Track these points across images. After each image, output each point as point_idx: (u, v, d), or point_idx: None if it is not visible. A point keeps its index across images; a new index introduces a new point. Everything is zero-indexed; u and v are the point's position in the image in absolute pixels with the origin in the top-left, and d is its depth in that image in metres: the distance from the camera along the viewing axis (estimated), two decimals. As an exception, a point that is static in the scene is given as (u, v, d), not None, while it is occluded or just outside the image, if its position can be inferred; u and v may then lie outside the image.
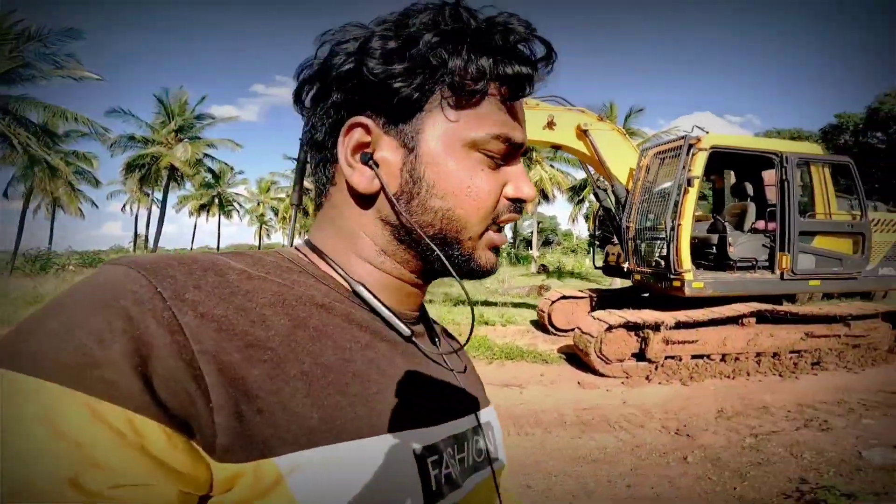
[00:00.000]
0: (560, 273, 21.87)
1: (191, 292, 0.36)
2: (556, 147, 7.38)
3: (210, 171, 33.44)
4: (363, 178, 0.48)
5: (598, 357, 5.58)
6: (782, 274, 5.75)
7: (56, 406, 0.30)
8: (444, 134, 0.46)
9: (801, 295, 6.42)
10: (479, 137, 0.46)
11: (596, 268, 8.46)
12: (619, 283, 10.16)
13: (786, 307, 5.66)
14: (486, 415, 0.58)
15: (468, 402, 0.54)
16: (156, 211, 29.71)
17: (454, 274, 0.49)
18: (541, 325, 7.95)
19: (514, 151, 0.49)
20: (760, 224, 6.22)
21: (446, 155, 0.46)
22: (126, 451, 0.30)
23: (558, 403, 4.59)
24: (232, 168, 36.66)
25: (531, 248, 32.43)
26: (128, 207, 37.62)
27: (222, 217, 42.51)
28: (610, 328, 5.50)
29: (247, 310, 0.38)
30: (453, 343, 0.64)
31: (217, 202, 40.51)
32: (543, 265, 25.54)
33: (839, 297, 7.23)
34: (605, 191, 6.98)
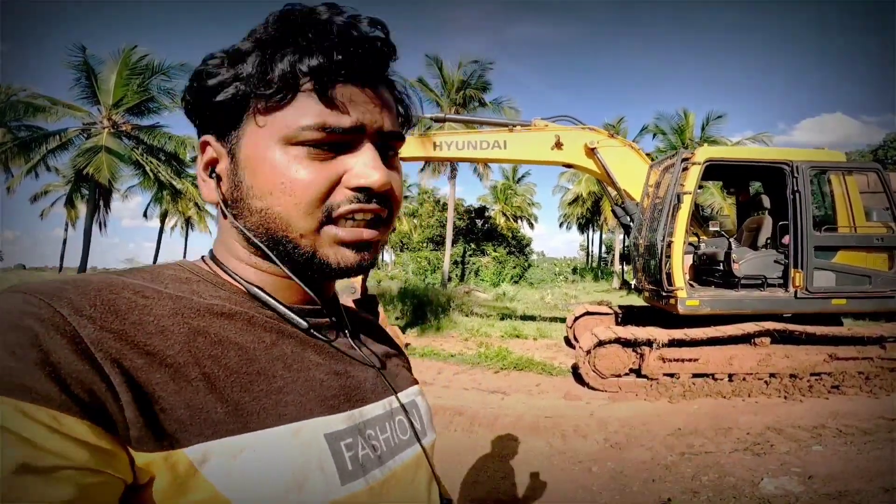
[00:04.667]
0: (641, 289, 20.76)
1: (87, 310, 0.39)
2: (568, 166, 7.51)
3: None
4: (208, 190, 0.52)
5: (593, 371, 5.66)
6: (796, 292, 5.40)
7: None
8: (258, 135, 0.47)
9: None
10: (290, 132, 0.46)
11: (624, 283, 8.35)
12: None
13: (801, 328, 5.30)
14: (408, 395, 0.61)
15: (384, 387, 0.57)
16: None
17: (287, 272, 0.50)
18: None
19: (346, 138, 0.48)
20: (786, 239, 5.87)
21: (261, 155, 0.47)
22: (64, 440, 0.33)
23: (526, 410, 4.81)
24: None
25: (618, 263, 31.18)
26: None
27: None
28: (601, 343, 5.58)
29: (143, 323, 0.41)
30: (373, 333, 0.67)
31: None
32: (626, 281, 24.41)
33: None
34: (621, 206, 6.99)
